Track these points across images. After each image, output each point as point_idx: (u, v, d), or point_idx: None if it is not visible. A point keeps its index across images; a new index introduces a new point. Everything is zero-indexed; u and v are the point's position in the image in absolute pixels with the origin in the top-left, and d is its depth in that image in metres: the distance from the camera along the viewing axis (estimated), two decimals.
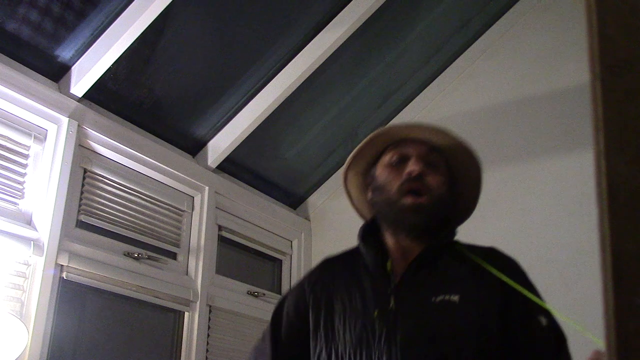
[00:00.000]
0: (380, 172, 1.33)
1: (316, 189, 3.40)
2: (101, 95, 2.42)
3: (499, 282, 1.21)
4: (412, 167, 1.27)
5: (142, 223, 2.58)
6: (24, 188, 2.20)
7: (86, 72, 2.27)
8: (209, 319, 2.76)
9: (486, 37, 3.14)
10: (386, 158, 1.33)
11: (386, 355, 1.16)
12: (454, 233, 1.35)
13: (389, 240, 1.31)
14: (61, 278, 2.19)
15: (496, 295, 1.21)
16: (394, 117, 3.29)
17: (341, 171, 1.41)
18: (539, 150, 2.88)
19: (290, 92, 2.78)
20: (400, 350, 1.16)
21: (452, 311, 1.18)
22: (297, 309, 1.34)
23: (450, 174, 1.33)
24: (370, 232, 1.34)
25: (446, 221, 1.32)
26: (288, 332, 1.34)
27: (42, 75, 2.26)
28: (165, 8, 2.20)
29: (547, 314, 1.26)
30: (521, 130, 2.95)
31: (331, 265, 1.39)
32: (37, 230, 2.14)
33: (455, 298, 1.19)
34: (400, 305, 1.20)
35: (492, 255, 1.30)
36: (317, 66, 2.73)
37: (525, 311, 1.22)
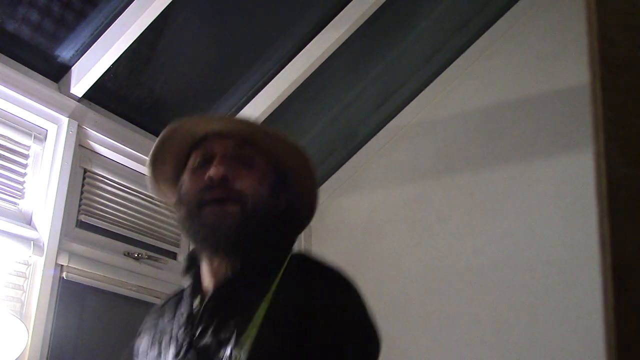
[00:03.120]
0: (184, 179, 1.08)
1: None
2: (101, 95, 2.43)
3: (303, 321, 0.96)
4: (212, 171, 1.02)
5: (142, 223, 2.58)
6: (24, 188, 2.20)
7: (86, 72, 2.27)
8: None
9: (486, 37, 3.14)
10: (190, 161, 1.09)
11: None
12: (279, 251, 1.06)
13: (204, 267, 1.08)
14: (61, 278, 2.19)
15: (294, 330, 0.96)
16: (394, 117, 3.29)
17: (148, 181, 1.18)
18: (539, 150, 2.88)
19: (289, 92, 2.78)
20: None
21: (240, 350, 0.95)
22: (135, 346, 1.21)
23: (276, 172, 1.09)
24: (193, 261, 1.12)
25: (275, 228, 1.06)
26: None
27: (42, 75, 2.26)
28: (165, 8, 2.20)
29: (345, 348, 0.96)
30: (521, 130, 2.95)
31: (163, 305, 1.22)
32: (37, 230, 2.15)
33: (243, 357, 0.94)
34: (193, 345, 1.01)
35: (313, 281, 1.01)
36: (317, 66, 2.73)
37: (320, 344, 0.95)
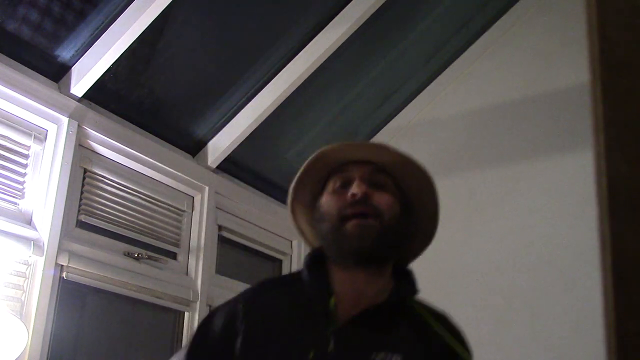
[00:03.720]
0: (324, 200, 1.19)
1: None
2: (101, 95, 2.42)
3: (446, 351, 1.13)
4: (355, 189, 1.14)
5: (142, 223, 2.58)
6: (24, 188, 2.20)
7: (86, 72, 2.27)
8: None
9: (486, 37, 3.14)
10: (330, 185, 1.20)
11: None
12: (414, 285, 1.22)
13: (338, 275, 1.18)
14: (61, 278, 2.19)
15: None
16: (394, 117, 3.29)
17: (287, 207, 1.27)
18: (538, 150, 2.88)
19: (290, 92, 2.78)
20: None
21: None
22: (226, 333, 1.18)
23: (404, 198, 1.20)
24: (317, 261, 1.21)
25: (400, 249, 1.20)
26: (209, 353, 1.19)
27: (42, 75, 2.26)
28: (165, 8, 2.20)
29: None
30: (521, 130, 2.95)
31: (270, 291, 1.25)
32: (37, 230, 2.14)
33: (398, 358, 1.09)
34: (339, 352, 1.09)
35: (443, 319, 1.20)
36: (317, 66, 2.73)
37: None
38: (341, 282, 1.17)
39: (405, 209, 1.20)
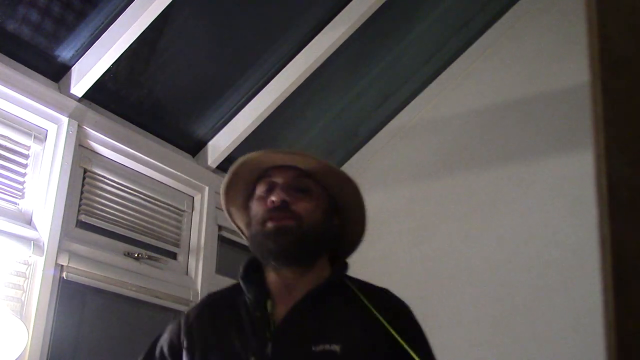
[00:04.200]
0: (252, 205, 1.27)
1: None
2: (101, 95, 2.43)
3: (385, 331, 1.15)
4: (274, 196, 1.21)
5: (142, 223, 2.58)
6: (24, 188, 2.20)
7: (86, 72, 2.27)
8: None
9: (486, 37, 3.14)
10: (257, 190, 1.27)
11: None
12: (343, 269, 1.27)
13: (271, 277, 1.24)
14: (61, 278, 2.19)
15: (382, 344, 1.15)
16: (394, 117, 3.29)
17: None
18: (538, 150, 2.88)
19: (290, 92, 2.78)
20: None
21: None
22: (171, 348, 1.25)
23: (330, 200, 1.26)
24: (252, 269, 1.27)
25: (324, 249, 1.25)
26: None
27: (42, 75, 2.26)
28: (165, 8, 2.20)
29: None
30: (521, 130, 2.95)
31: (212, 303, 1.31)
32: (37, 230, 2.15)
33: (337, 348, 1.12)
34: (277, 352, 1.13)
35: (384, 299, 1.24)
36: (317, 66, 2.73)
37: None
38: (274, 283, 1.24)
39: (329, 213, 1.25)
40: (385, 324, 1.15)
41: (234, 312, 1.23)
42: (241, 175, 1.29)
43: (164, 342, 1.27)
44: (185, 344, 1.23)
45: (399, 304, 1.24)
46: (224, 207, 1.34)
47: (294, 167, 1.25)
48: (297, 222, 1.19)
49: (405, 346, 1.13)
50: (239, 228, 1.37)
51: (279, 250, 1.18)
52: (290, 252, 1.19)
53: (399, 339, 1.13)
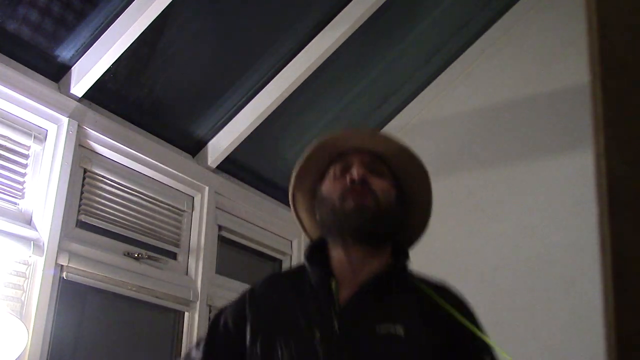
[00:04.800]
0: (325, 186, 1.28)
1: None
2: (101, 95, 2.42)
3: (446, 318, 1.18)
4: (353, 172, 1.23)
5: (142, 223, 2.58)
6: (24, 188, 2.20)
7: (86, 72, 2.27)
8: (209, 319, 2.76)
9: (486, 37, 3.14)
10: (331, 172, 1.29)
11: None
12: (407, 257, 1.29)
13: (338, 256, 1.25)
14: (61, 278, 2.19)
15: (443, 331, 1.17)
16: (394, 117, 3.29)
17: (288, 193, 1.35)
18: (538, 150, 2.88)
19: (290, 92, 2.78)
20: None
21: (396, 344, 1.13)
22: (236, 322, 1.26)
23: (398, 186, 1.28)
24: (317, 250, 1.29)
25: (394, 234, 1.27)
26: (224, 344, 1.27)
27: (42, 75, 2.26)
28: (165, 8, 2.20)
29: (492, 354, 1.23)
30: (521, 130, 2.95)
31: (277, 282, 1.33)
32: (37, 230, 2.14)
33: (401, 331, 1.14)
34: (343, 330, 1.14)
35: (443, 289, 1.26)
36: (317, 66, 2.73)
37: (471, 350, 1.19)
38: (340, 264, 1.24)
39: (400, 198, 1.27)
40: (452, 311, 1.17)
41: (298, 290, 1.25)
42: (315, 157, 1.31)
43: (228, 315, 1.28)
44: (250, 318, 1.24)
45: (459, 296, 1.26)
46: (291, 191, 1.34)
47: (368, 151, 1.27)
48: (375, 202, 1.21)
49: (475, 330, 1.16)
50: (298, 217, 1.37)
51: (359, 226, 1.20)
52: (368, 228, 1.20)
53: (467, 324, 1.16)
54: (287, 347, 1.17)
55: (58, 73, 2.31)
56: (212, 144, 2.88)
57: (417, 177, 1.31)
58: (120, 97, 2.53)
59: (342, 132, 1.31)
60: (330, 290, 1.20)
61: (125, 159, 2.54)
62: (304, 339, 1.16)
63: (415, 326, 1.16)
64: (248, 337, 1.22)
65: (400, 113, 3.28)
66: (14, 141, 2.19)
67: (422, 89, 3.24)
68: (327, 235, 1.27)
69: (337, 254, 1.25)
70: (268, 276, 1.37)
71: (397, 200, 1.25)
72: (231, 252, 3.08)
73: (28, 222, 2.16)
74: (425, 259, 2.97)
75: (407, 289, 1.23)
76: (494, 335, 2.98)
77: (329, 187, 1.27)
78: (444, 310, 1.18)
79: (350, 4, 2.62)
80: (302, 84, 2.78)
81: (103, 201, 2.45)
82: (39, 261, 2.11)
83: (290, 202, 1.36)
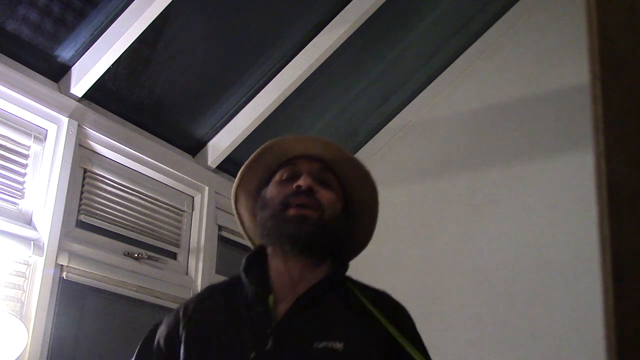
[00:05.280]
0: (270, 189, 1.25)
1: None
2: (101, 95, 2.43)
3: (385, 331, 1.14)
4: (301, 181, 1.20)
5: (142, 223, 2.58)
6: (24, 188, 2.20)
7: (86, 72, 2.27)
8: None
9: (486, 37, 3.14)
10: (277, 176, 1.26)
11: None
12: (345, 267, 1.25)
13: (276, 267, 1.20)
14: (61, 278, 2.19)
15: (381, 344, 1.13)
16: (394, 117, 3.29)
17: (231, 190, 1.33)
18: (539, 150, 2.88)
19: (290, 92, 2.78)
20: None
21: (333, 359, 1.09)
22: (168, 340, 1.20)
23: (345, 197, 1.26)
24: (255, 262, 1.24)
25: (337, 246, 1.23)
26: None
27: (42, 75, 2.26)
28: (165, 8, 2.20)
29: None
30: (521, 130, 2.95)
31: (211, 296, 1.27)
32: (37, 230, 2.14)
33: (339, 346, 1.09)
34: (278, 349, 1.10)
35: (383, 300, 1.22)
36: (317, 66, 2.73)
37: None
38: (279, 275, 1.20)
39: (346, 209, 1.25)
40: (386, 323, 1.14)
41: (233, 305, 1.20)
42: (264, 160, 1.29)
43: (161, 334, 1.23)
44: (183, 337, 1.19)
45: (397, 305, 1.24)
46: (234, 190, 1.32)
47: (318, 159, 1.25)
48: (319, 213, 1.18)
49: (407, 345, 1.12)
50: (238, 216, 1.35)
51: (299, 236, 1.16)
52: (308, 240, 1.17)
53: (400, 338, 1.12)
54: None
55: (58, 73, 2.31)
56: (212, 144, 2.88)
57: (365, 188, 1.28)
58: (120, 97, 2.53)
59: (293, 136, 1.28)
60: (267, 305, 1.16)
61: (125, 159, 2.54)
62: (237, 359, 1.11)
63: (354, 340, 1.12)
64: (182, 357, 1.16)
65: (400, 113, 3.28)
66: (14, 141, 2.19)
67: (422, 89, 3.24)
68: (266, 241, 1.23)
69: (275, 265, 1.21)
70: (203, 290, 1.32)
71: (343, 212, 1.23)
72: (231, 252, 3.08)
73: (28, 222, 2.16)
74: (425, 259, 2.98)
75: (345, 300, 1.19)
76: (493, 335, 2.99)
77: (273, 190, 1.24)
78: (381, 324, 1.15)
79: (350, 4, 2.62)
80: (302, 84, 2.78)
81: (103, 201, 2.45)
82: (39, 261, 2.11)
83: (232, 201, 1.33)
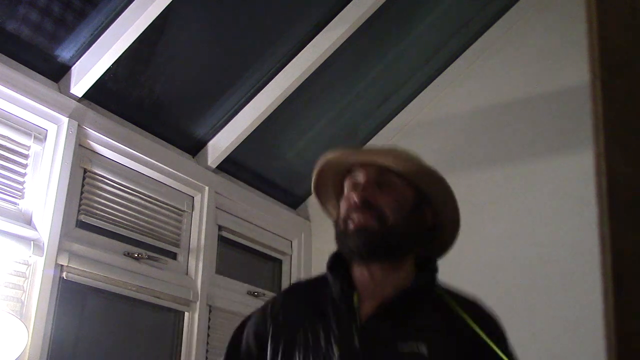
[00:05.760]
0: (341, 203, 1.27)
1: None
2: (101, 95, 2.42)
3: (473, 339, 1.14)
4: (353, 196, 1.20)
5: (142, 223, 2.58)
6: (24, 188, 2.20)
7: (86, 72, 2.27)
8: (209, 319, 2.76)
9: (486, 38, 3.14)
10: (345, 188, 1.27)
11: None
12: (434, 270, 1.25)
13: (358, 271, 1.22)
14: (61, 278, 2.19)
15: (468, 352, 1.14)
16: (394, 117, 3.29)
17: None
18: (539, 150, 2.88)
19: (290, 92, 2.78)
20: None
21: None
22: (257, 335, 1.25)
23: (418, 195, 1.24)
24: (339, 260, 1.26)
25: (414, 245, 1.23)
26: (246, 357, 1.26)
27: (42, 75, 2.26)
28: (165, 8, 2.20)
29: None
30: (521, 130, 2.95)
31: (298, 292, 1.32)
32: (37, 230, 2.14)
33: (424, 350, 1.10)
34: (364, 347, 1.12)
35: (472, 305, 1.22)
36: (317, 66, 2.73)
37: None
38: (361, 278, 1.21)
39: (418, 208, 1.23)
40: (478, 330, 1.14)
41: (319, 302, 1.22)
42: (327, 174, 1.30)
43: (249, 329, 1.27)
44: (271, 331, 1.23)
45: (489, 314, 1.23)
46: (321, 208, 1.35)
47: (375, 165, 1.24)
48: (379, 220, 1.17)
49: (500, 353, 1.12)
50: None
51: (362, 249, 1.17)
52: (374, 249, 1.18)
53: (492, 345, 1.12)
54: None
55: (58, 73, 2.31)
56: (212, 144, 2.88)
57: (437, 189, 1.27)
58: (120, 97, 2.53)
59: (344, 152, 1.29)
60: (352, 304, 1.18)
61: (125, 159, 2.54)
62: (322, 354, 1.14)
63: (439, 345, 1.12)
64: (269, 352, 1.20)
65: (400, 113, 3.28)
66: (14, 141, 2.19)
67: (422, 89, 3.24)
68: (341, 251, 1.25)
69: (356, 269, 1.23)
70: (290, 285, 1.38)
71: (416, 210, 1.21)
72: (231, 252, 3.08)
73: (28, 222, 2.16)
74: None
75: (432, 305, 1.20)
76: None
77: (341, 205, 1.26)
78: (470, 329, 1.14)
79: (350, 4, 2.62)
80: (302, 84, 2.78)
81: (103, 201, 2.45)
82: (39, 261, 2.11)
83: (328, 215, 1.35)
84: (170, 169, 2.70)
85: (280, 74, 2.74)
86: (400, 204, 1.20)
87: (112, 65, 2.28)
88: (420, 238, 1.23)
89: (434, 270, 1.25)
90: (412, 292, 1.19)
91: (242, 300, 2.95)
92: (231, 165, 3.01)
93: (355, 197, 1.19)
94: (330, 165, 1.28)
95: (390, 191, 1.21)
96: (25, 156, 2.23)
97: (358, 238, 1.17)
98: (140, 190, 2.60)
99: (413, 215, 1.21)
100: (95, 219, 2.40)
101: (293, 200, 3.41)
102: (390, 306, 1.16)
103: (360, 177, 1.23)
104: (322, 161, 1.28)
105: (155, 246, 2.63)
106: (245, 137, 2.84)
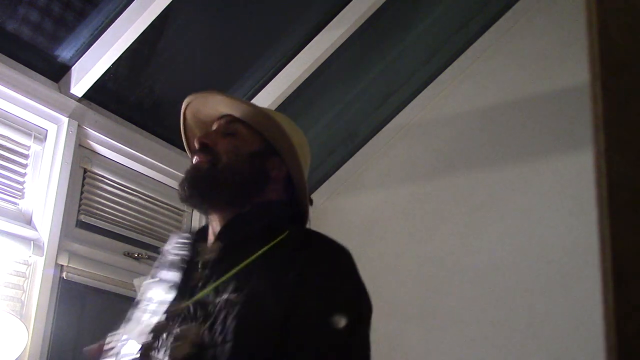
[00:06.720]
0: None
1: (316, 189, 3.40)
2: (101, 95, 2.43)
3: (294, 285, 1.04)
4: (196, 141, 1.24)
5: (142, 223, 2.58)
6: (24, 188, 2.20)
7: (86, 72, 2.27)
8: None
9: (486, 38, 3.14)
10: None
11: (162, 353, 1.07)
12: (273, 211, 1.21)
13: (210, 227, 1.24)
14: (61, 278, 2.19)
15: (285, 300, 1.04)
16: (394, 117, 3.29)
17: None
18: (539, 150, 2.88)
19: (289, 92, 2.78)
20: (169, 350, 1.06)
21: (234, 309, 1.04)
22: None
23: (267, 146, 1.23)
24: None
25: (247, 190, 1.19)
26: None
27: (42, 75, 2.26)
28: (165, 8, 2.20)
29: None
30: (521, 130, 2.95)
31: (173, 240, 1.34)
32: (37, 230, 2.15)
33: (237, 297, 1.05)
34: (195, 302, 1.11)
35: (308, 250, 1.11)
36: (317, 66, 2.73)
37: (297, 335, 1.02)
38: (210, 231, 1.24)
39: (263, 155, 1.22)
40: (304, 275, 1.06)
41: (181, 253, 1.26)
42: (194, 132, 1.35)
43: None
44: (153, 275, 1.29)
45: (319, 260, 1.11)
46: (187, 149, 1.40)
47: (227, 115, 1.28)
48: (212, 162, 1.20)
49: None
50: None
51: (185, 185, 1.20)
52: (195, 186, 1.20)
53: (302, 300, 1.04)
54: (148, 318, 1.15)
55: (58, 73, 2.31)
56: None
57: (282, 141, 1.24)
58: (120, 97, 2.53)
59: (193, 97, 1.33)
60: (198, 255, 1.20)
61: (125, 159, 2.54)
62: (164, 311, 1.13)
63: (259, 291, 1.05)
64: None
65: (400, 113, 3.28)
66: (14, 141, 2.19)
67: (422, 89, 3.24)
68: None
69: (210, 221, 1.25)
70: (174, 235, 1.41)
71: (258, 157, 1.21)
72: None
73: (28, 222, 2.16)
74: (425, 259, 2.97)
75: (272, 248, 1.11)
76: (494, 335, 2.99)
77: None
78: (295, 275, 1.05)
79: (350, 4, 2.62)
80: (302, 84, 2.78)
81: (103, 201, 2.45)
82: (39, 261, 2.11)
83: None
84: (170, 169, 2.70)
85: (280, 74, 2.74)
86: (238, 149, 1.22)
87: (112, 65, 2.28)
88: (254, 184, 1.21)
89: (265, 209, 1.21)
90: (232, 226, 1.19)
91: None
92: None
93: (196, 143, 1.24)
94: (195, 120, 1.34)
95: (232, 139, 1.23)
96: (25, 156, 2.23)
97: (185, 177, 1.21)
98: (140, 190, 2.61)
99: (252, 160, 1.21)
100: (95, 219, 2.40)
101: None
102: (224, 249, 1.17)
103: (214, 127, 1.28)
104: (182, 112, 1.36)
105: (155, 246, 2.62)
106: None
